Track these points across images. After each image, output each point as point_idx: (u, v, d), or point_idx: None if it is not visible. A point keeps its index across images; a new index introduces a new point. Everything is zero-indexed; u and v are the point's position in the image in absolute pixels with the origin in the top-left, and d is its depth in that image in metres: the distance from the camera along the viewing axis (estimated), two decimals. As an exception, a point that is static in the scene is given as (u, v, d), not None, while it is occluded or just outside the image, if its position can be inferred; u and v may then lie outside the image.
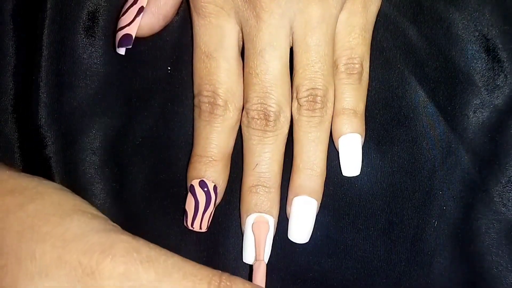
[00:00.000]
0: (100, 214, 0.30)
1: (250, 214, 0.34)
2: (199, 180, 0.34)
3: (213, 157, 0.34)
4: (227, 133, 0.35)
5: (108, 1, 0.37)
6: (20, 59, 0.37)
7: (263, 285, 0.33)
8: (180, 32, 0.37)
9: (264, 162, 0.34)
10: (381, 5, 0.36)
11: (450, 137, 0.36)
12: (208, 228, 0.35)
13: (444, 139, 0.37)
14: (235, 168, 0.36)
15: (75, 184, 0.36)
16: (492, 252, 0.36)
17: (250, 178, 0.34)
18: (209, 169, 0.34)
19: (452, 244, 0.36)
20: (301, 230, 0.35)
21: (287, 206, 0.35)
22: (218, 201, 0.35)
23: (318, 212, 0.35)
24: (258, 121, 0.34)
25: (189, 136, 0.37)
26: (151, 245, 0.29)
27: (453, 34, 0.37)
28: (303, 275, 0.37)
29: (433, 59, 0.37)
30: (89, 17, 0.37)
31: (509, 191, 0.36)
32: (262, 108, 0.34)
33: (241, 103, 0.35)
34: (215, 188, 0.34)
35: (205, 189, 0.34)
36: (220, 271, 0.29)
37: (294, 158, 0.35)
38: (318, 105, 0.34)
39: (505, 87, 0.36)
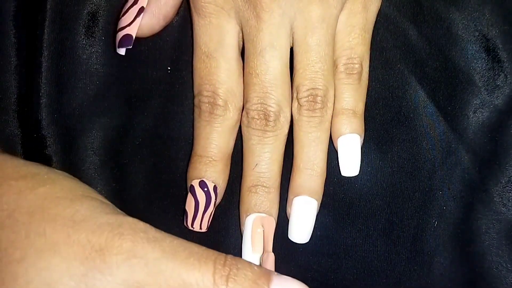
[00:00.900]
0: (108, 201, 0.31)
1: (250, 214, 0.34)
2: (199, 180, 0.34)
3: (213, 157, 0.34)
4: (227, 133, 0.35)
5: (108, 2, 0.37)
6: (21, 59, 0.37)
7: None
8: (180, 32, 0.37)
9: (264, 162, 0.34)
10: (381, 5, 0.36)
11: (450, 137, 0.36)
12: (208, 228, 0.35)
13: (444, 139, 0.37)
14: (235, 168, 0.36)
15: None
16: (492, 252, 0.36)
17: (249, 178, 0.35)
18: (209, 169, 0.34)
19: (452, 244, 0.36)
20: (301, 230, 0.35)
21: (287, 206, 0.35)
22: (218, 201, 0.35)
23: (318, 212, 0.35)
24: (258, 121, 0.34)
25: (189, 136, 0.37)
26: (157, 229, 0.29)
27: (453, 34, 0.37)
28: (303, 275, 0.36)
29: (433, 59, 0.37)
30: (89, 17, 0.37)
31: (509, 191, 0.36)
32: (262, 108, 0.34)
33: (241, 103, 0.35)
34: (215, 188, 0.34)
35: (205, 189, 0.34)
36: (224, 254, 0.29)
37: (294, 158, 0.35)
38: (319, 105, 0.34)
39: (505, 87, 0.36)
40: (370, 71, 0.36)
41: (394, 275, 0.36)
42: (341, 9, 0.34)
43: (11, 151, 0.37)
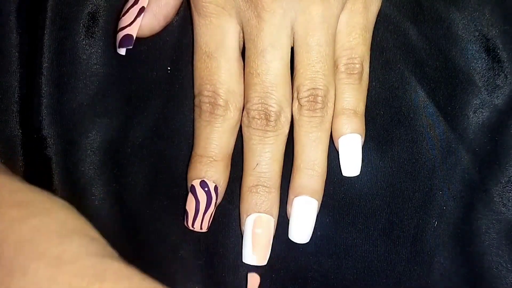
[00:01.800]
0: (99, 237, 0.30)
1: (250, 214, 0.34)
2: (200, 180, 0.34)
3: (214, 157, 0.34)
4: (228, 133, 0.35)
5: (108, 2, 0.37)
6: (23, 60, 0.37)
7: None
8: (180, 32, 0.37)
9: (264, 162, 0.34)
10: (381, 5, 0.36)
11: (450, 137, 0.36)
12: (209, 228, 0.35)
13: (444, 139, 0.37)
14: (235, 168, 0.36)
15: (75, 184, 0.37)
16: (492, 252, 0.36)
17: (250, 178, 0.34)
18: (210, 169, 0.34)
19: (452, 244, 0.36)
20: (301, 230, 0.35)
21: (287, 206, 0.35)
22: (218, 201, 0.35)
23: (318, 212, 0.35)
24: (258, 121, 0.34)
25: (189, 136, 0.37)
26: (144, 275, 0.28)
27: (453, 34, 0.37)
28: (303, 275, 0.37)
29: (433, 59, 0.37)
30: (89, 17, 0.37)
31: (509, 191, 0.36)
32: (263, 108, 0.34)
33: (242, 103, 0.35)
34: (216, 188, 0.34)
35: (206, 189, 0.34)
36: None
37: (294, 158, 0.35)
38: (319, 105, 0.34)
39: (505, 87, 0.36)
40: (370, 71, 0.36)
41: (394, 275, 0.36)
42: (342, 9, 0.34)
43: (11, 151, 0.37)
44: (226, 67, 0.34)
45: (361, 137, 0.35)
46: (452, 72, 0.37)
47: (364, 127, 0.36)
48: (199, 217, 0.35)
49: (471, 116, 0.37)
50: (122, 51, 0.35)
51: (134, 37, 0.35)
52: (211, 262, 0.36)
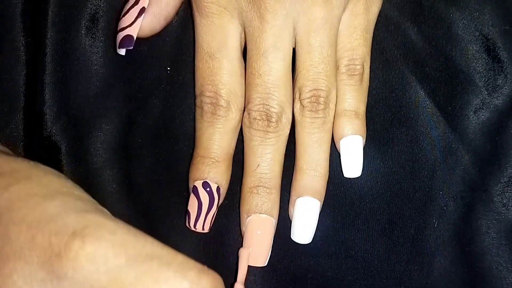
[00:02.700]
0: (87, 196, 0.29)
1: (251, 214, 0.34)
2: (202, 181, 0.34)
3: (216, 158, 0.34)
4: (230, 134, 0.35)
5: (108, 2, 0.37)
6: (28, 61, 0.37)
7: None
8: (180, 32, 0.37)
9: (265, 163, 0.34)
10: (381, 5, 0.36)
11: (450, 137, 0.36)
12: (210, 228, 0.35)
13: (444, 139, 0.37)
14: (235, 168, 0.36)
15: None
16: (492, 252, 0.36)
17: (251, 179, 0.34)
18: (212, 170, 0.34)
19: (452, 244, 0.36)
20: (304, 231, 0.35)
21: (289, 206, 0.35)
22: (220, 202, 0.35)
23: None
24: (260, 122, 0.34)
25: (189, 136, 0.37)
26: (133, 230, 0.27)
27: (454, 34, 0.37)
28: (303, 276, 0.37)
29: (433, 59, 0.37)
30: (89, 19, 0.37)
31: (509, 191, 0.36)
32: (264, 109, 0.34)
33: (243, 104, 0.35)
34: (218, 189, 0.34)
35: (208, 190, 0.34)
36: (207, 268, 0.27)
37: (296, 159, 0.35)
38: (321, 106, 0.34)
39: (505, 87, 0.36)
40: (370, 71, 0.36)
41: (394, 275, 0.36)
42: (343, 10, 0.34)
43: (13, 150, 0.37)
44: (228, 67, 0.34)
45: (362, 138, 0.35)
46: (452, 72, 0.37)
47: (365, 129, 0.36)
48: (201, 218, 0.34)
49: (471, 116, 0.37)
50: (122, 52, 0.35)
51: (135, 38, 0.35)
52: (212, 263, 0.36)
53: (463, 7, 0.37)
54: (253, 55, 0.34)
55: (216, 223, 0.36)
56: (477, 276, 0.36)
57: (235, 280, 0.33)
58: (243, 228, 0.35)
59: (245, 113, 0.34)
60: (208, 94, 0.34)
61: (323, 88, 0.34)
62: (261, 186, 0.34)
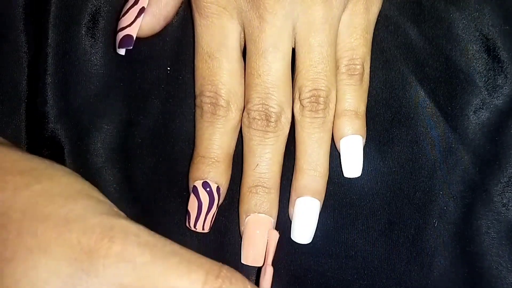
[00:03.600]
0: (106, 199, 0.30)
1: (250, 214, 0.34)
2: (202, 181, 0.34)
3: (216, 158, 0.34)
4: (230, 134, 0.35)
5: (108, 2, 0.37)
6: (30, 61, 0.37)
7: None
8: (180, 32, 0.37)
9: (264, 162, 0.34)
10: (381, 5, 0.36)
11: (450, 137, 0.36)
12: (210, 228, 0.35)
13: (444, 139, 0.37)
14: (235, 168, 0.36)
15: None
16: (492, 252, 0.36)
17: (250, 179, 0.34)
18: (212, 170, 0.34)
19: (452, 244, 0.36)
20: (304, 231, 0.35)
21: (289, 206, 0.35)
22: (220, 202, 0.35)
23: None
24: (259, 121, 0.34)
25: (189, 136, 0.37)
26: (152, 232, 0.29)
27: (454, 34, 0.37)
28: (303, 276, 0.37)
29: (433, 59, 0.37)
30: (90, 19, 0.37)
31: (509, 191, 0.36)
32: (263, 109, 0.34)
33: (243, 104, 0.35)
34: (218, 189, 0.34)
35: (208, 190, 0.34)
36: (221, 263, 0.29)
37: (296, 159, 0.35)
38: (321, 106, 0.34)
39: (505, 87, 0.36)
40: (370, 71, 0.36)
41: (394, 275, 0.36)
42: (343, 10, 0.34)
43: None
44: (228, 67, 0.34)
45: (362, 138, 0.35)
46: (452, 72, 0.37)
47: (365, 128, 0.36)
48: (201, 218, 0.34)
49: (471, 116, 0.37)
50: (122, 51, 0.35)
51: (134, 38, 0.35)
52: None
53: (463, 7, 0.37)
54: (252, 55, 0.34)
55: (216, 223, 0.36)
56: (477, 276, 0.36)
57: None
58: (242, 228, 0.35)
59: (245, 113, 0.34)
60: (208, 94, 0.34)
61: (322, 88, 0.34)
62: (260, 186, 0.34)
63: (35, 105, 0.37)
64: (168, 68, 0.37)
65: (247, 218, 0.34)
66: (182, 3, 0.36)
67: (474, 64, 0.37)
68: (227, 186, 0.35)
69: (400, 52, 0.37)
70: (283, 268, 0.36)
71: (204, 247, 0.36)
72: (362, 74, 0.35)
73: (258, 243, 0.34)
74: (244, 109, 0.35)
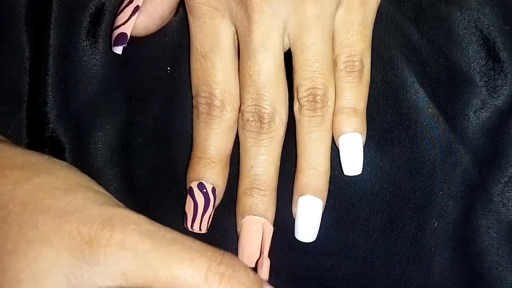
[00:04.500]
0: (105, 191, 0.30)
1: (245, 216, 0.34)
2: (198, 182, 0.34)
3: (211, 159, 0.34)
4: (225, 134, 0.35)
5: (109, 3, 0.37)
6: (32, 61, 0.37)
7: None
8: (179, 32, 0.37)
9: (259, 164, 0.34)
10: (381, 4, 0.36)
11: (450, 137, 0.36)
12: (208, 229, 0.35)
13: (444, 139, 0.36)
14: (236, 168, 0.36)
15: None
16: (492, 252, 0.36)
17: (245, 181, 0.35)
18: (207, 171, 0.34)
19: (452, 244, 0.36)
20: (307, 229, 0.35)
21: (292, 206, 0.35)
22: (217, 202, 0.35)
23: (319, 211, 0.35)
24: (252, 123, 0.34)
25: (189, 136, 0.37)
26: (153, 221, 0.29)
27: (454, 34, 0.37)
28: (303, 275, 0.37)
29: (433, 59, 0.37)
30: (91, 19, 0.37)
31: (509, 191, 0.36)
32: (256, 110, 0.34)
33: (239, 104, 0.35)
34: (213, 190, 0.34)
35: (204, 191, 0.34)
36: (223, 250, 0.29)
37: (297, 158, 0.35)
38: (319, 105, 0.34)
39: (505, 87, 0.36)
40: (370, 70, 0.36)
41: (394, 275, 0.36)
42: (337, 6, 0.34)
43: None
44: (221, 67, 0.34)
45: (362, 135, 0.35)
46: (452, 72, 0.37)
47: (365, 126, 0.35)
48: (198, 218, 0.35)
49: (472, 116, 0.36)
50: (118, 50, 0.35)
51: (128, 36, 0.35)
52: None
53: (463, 7, 0.37)
54: (243, 55, 0.34)
55: (215, 223, 0.36)
56: (477, 276, 0.36)
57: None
58: (238, 230, 0.35)
59: (239, 114, 0.35)
60: (203, 94, 0.34)
61: (319, 86, 0.34)
62: (255, 188, 0.34)
63: (36, 105, 0.37)
64: (168, 68, 0.38)
65: (242, 220, 0.34)
66: (180, 3, 0.36)
67: (474, 64, 0.36)
68: (224, 186, 0.35)
69: (400, 52, 0.37)
70: (283, 268, 0.37)
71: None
72: (361, 70, 0.35)
73: (253, 244, 0.34)
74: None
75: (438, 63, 0.37)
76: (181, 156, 0.37)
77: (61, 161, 0.31)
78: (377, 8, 0.36)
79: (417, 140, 0.37)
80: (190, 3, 0.34)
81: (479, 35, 0.37)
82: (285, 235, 0.35)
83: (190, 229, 0.35)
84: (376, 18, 0.36)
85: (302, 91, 0.34)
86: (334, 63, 0.35)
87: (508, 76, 0.36)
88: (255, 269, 0.35)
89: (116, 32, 0.35)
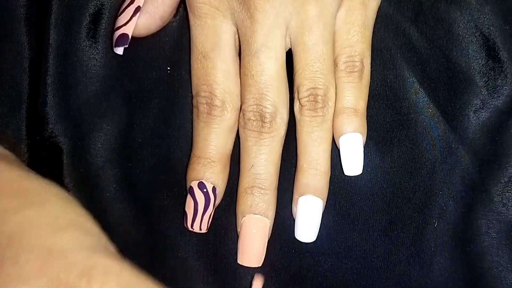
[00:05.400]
0: (95, 230, 0.29)
1: (245, 215, 0.34)
2: (198, 181, 0.34)
3: (211, 158, 0.34)
4: (226, 134, 0.35)
5: (109, 3, 0.37)
6: (32, 62, 0.37)
7: None
8: (179, 32, 0.37)
9: (259, 163, 0.34)
10: (381, 4, 0.36)
11: (450, 137, 0.36)
12: (208, 228, 0.35)
13: (444, 139, 0.36)
14: (236, 168, 0.36)
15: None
16: (492, 252, 0.36)
17: (246, 180, 0.34)
18: (207, 170, 0.34)
19: (452, 244, 0.36)
20: (308, 229, 0.35)
21: (292, 205, 0.35)
22: (217, 202, 0.35)
23: (319, 211, 0.35)
24: (254, 122, 0.34)
25: (189, 136, 0.37)
26: (136, 272, 0.28)
27: (454, 34, 0.37)
28: (303, 275, 0.37)
29: (433, 59, 0.37)
30: (91, 19, 0.37)
31: (509, 191, 0.36)
32: (257, 110, 0.34)
33: (239, 104, 0.35)
34: (214, 189, 0.34)
35: (204, 190, 0.34)
36: None
37: (298, 158, 0.35)
38: (319, 105, 0.34)
39: (506, 87, 0.36)
40: (370, 70, 0.36)
41: (394, 275, 0.36)
42: (339, 7, 0.34)
43: (16, 150, 0.37)
44: (222, 67, 0.34)
45: (362, 135, 0.35)
46: (452, 72, 0.37)
47: (366, 126, 0.35)
48: (198, 218, 0.35)
49: (472, 116, 0.36)
50: (119, 51, 0.35)
51: (130, 36, 0.35)
52: (211, 263, 0.36)
53: (463, 7, 0.37)
54: (245, 55, 0.34)
55: (216, 222, 0.36)
56: (477, 276, 0.36)
57: None
58: (238, 229, 0.35)
59: (240, 113, 0.35)
60: (203, 94, 0.34)
61: (320, 86, 0.34)
62: (256, 186, 0.34)
63: (35, 105, 0.37)
64: (168, 68, 0.38)
65: (242, 219, 0.34)
66: (180, 2, 0.36)
67: (474, 64, 0.37)
68: (224, 186, 0.35)
69: (400, 52, 0.37)
70: (283, 268, 0.37)
71: (203, 247, 0.37)
72: (361, 71, 0.35)
73: (253, 244, 0.34)
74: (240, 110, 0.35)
75: (438, 63, 0.37)
76: (181, 156, 0.37)
77: (58, 190, 0.30)
78: (377, 9, 0.36)
79: (417, 140, 0.37)
80: (191, 2, 0.34)
81: (479, 35, 0.37)
82: (285, 235, 0.35)
83: (190, 229, 0.35)
84: (376, 18, 0.36)
85: (303, 91, 0.34)
86: (335, 63, 0.35)
87: (508, 76, 0.36)
88: (255, 269, 0.36)
89: (118, 32, 0.35)
